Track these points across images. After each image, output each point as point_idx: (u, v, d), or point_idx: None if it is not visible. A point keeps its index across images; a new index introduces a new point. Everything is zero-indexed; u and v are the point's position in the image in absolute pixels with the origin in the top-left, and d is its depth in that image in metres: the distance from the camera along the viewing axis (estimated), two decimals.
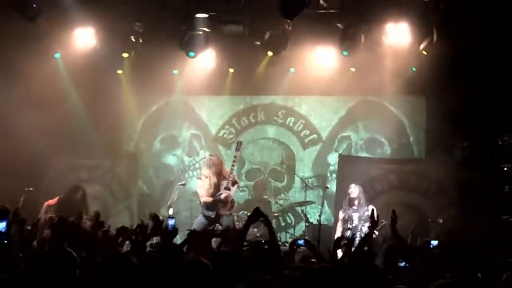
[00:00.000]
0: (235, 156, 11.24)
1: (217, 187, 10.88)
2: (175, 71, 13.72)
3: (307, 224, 12.91)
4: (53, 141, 12.45)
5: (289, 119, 14.30)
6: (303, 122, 14.26)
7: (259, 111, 14.43)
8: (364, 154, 13.84)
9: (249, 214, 6.66)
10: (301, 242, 7.00)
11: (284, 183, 14.20)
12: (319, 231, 11.43)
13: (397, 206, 11.70)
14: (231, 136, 14.34)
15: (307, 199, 13.05)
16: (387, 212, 7.03)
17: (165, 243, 6.52)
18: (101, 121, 13.44)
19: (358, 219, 10.74)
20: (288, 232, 13.57)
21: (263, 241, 6.65)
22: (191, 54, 12.14)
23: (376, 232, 9.61)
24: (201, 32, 11.88)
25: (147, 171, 14.41)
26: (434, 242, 7.63)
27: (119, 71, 13.46)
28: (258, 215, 6.44)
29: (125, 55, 12.52)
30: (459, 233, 11.23)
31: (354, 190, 10.92)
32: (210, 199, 10.81)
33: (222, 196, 10.77)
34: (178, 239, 7.10)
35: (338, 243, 6.99)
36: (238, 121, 14.44)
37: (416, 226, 11.15)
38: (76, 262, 5.23)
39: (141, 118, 14.56)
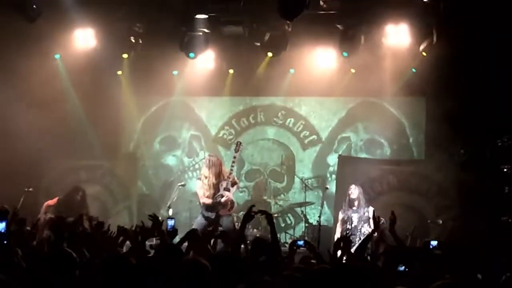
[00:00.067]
0: (234, 157, 11.23)
1: (216, 188, 10.87)
2: (175, 72, 13.73)
3: (306, 225, 12.91)
4: (53, 141, 12.47)
5: (289, 120, 14.31)
6: (303, 123, 14.27)
7: (259, 112, 14.44)
8: (363, 155, 13.85)
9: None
10: (301, 243, 7.00)
11: (284, 184, 14.20)
12: (319, 232, 11.43)
13: (396, 207, 11.83)
14: (231, 137, 14.35)
15: (307, 200, 13.06)
16: (386, 213, 7.05)
17: (165, 243, 6.52)
18: (100, 121, 13.44)
19: (358, 220, 10.73)
20: (287, 233, 13.57)
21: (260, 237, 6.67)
22: (191, 55, 12.13)
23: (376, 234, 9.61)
24: (201, 33, 11.87)
25: (146, 172, 14.41)
26: (434, 243, 7.64)
27: (119, 72, 13.46)
28: (254, 213, 6.46)
29: (125, 56, 12.52)
30: (459, 234, 11.25)
31: (354, 191, 10.92)
32: (210, 200, 10.80)
33: (222, 199, 10.76)
34: (177, 240, 7.10)
35: (338, 244, 6.99)
36: (238, 122, 14.45)
37: (416, 227, 11.17)
38: (76, 263, 5.22)
39: (140, 118, 14.56)
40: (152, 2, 11.64)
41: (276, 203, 13.63)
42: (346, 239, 7.17)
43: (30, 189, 11.65)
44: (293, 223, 13.89)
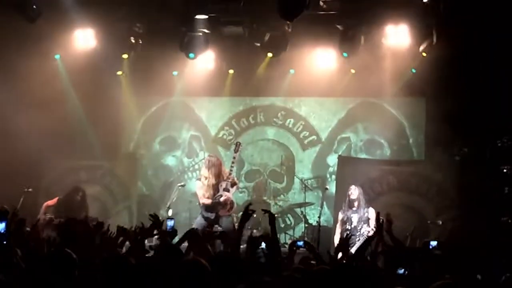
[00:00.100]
0: (233, 157, 11.22)
1: (216, 188, 10.86)
2: (174, 72, 13.73)
3: (306, 225, 12.91)
4: (52, 141, 12.46)
5: (288, 120, 14.31)
6: (303, 123, 14.27)
7: (259, 113, 14.44)
8: (363, 156, 13.85)
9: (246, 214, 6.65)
10: (300, 243, 6.99)
11: (284, 184, 14.20)
12: (319, 233, 11.43)
13: (396, 207, 11.91)
14: (231, 137, 14.35)
15: (307, 201, 13.05)
16: (387, 214, 7.03)
17: (165, 244, 6.52)
18: (100, 122, 13.44)
19: (358, 220, 10.72)
20: (287, 234, 13.57)
21: (258, 236, 6.66)
22: (191, 55, 12.13)
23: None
24: (201, 34, 11.87)
25: (146, 172, 14.41)
26: (433, 243, 7.65)
27: (119, 72, 13.46)
28: (252, 212, 6.46)
29: (125, 56, 12.52)
30: (459, 234, 11.25)
31: (354, 192, 10.90)
32: (210, 201, 10.79)
33: (222, 199, 10.76)
34: (177, 240, 7.10)
35: (340, 247, 6.99)
36: (237, 122, 14.45)
37: (416, 227, 11.17)
38: (76, 263, 5.22)
39: (140, 119, 14.56)
40: (152, 2, 11.64)
41: (275, 203, 13.63)
42: (346, 242, 7.17)
43: (30, 190, 11.64)
44: (292, 223, 13.89)
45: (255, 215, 11.95)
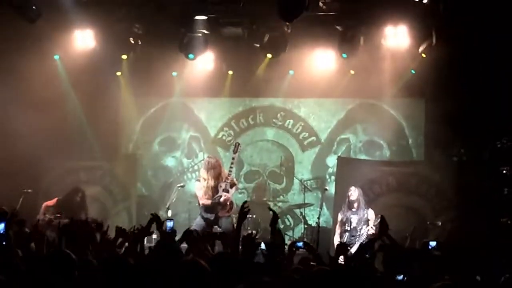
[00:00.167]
0: (233, 158, 11.23)
1: (215, 189, 10.87)
2: (174, 73, 13.73)
3: (305, 226, 12.91)
4: (52, 142, 12.47)
5: (288, 121, 14.31)
6: (302, 124, 14.27)
7: (258, 113, 14.44)
8: (363, 157, 13.84)
9: (250, 217, 6.67)
10: (300, 244, 6.99)
11: (283, 185, 14.20)
12: (318, 233, 11.43)
13: (396, 208, 11.92)
14: (230, 138, 14.34)
15: (306, 201, 13.05)
16: (386, 214, 7.03)
17: (164, 244, 6.52)
18: (100, 122, 13.45)
19: (357, 221, 10.73)
20: (286, 234, 13.55)
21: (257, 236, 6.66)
22: (190, 56, 12.13)
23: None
24: (200, 34, 11.87)
25: (146, 173, 14.41)
26: (433, 243, 7.66)
27: (118, 73, 13.45)
28: (247, 209, 6.46)
29: (124, 57, 12.50)
30: (458, 235, 11.26)
31: (354, 193, 10.91)
32: (209, 201, 10.81)
33: (221, 199, 10.77)
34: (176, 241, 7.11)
35: (340, 249, 6.99)
36: (237, 123, 14.45)
37: (415, 228, 11.18)
38: (75, 264, 5.23)
39: (140, 119, 14.56)
40: (152, 3, 11.64)
41: (275, 204, 13.63)
42: (346, 244, 7.19)
43: (29, 191, 11.62)
44: (292, 224, 13.88)
45: (254, 216, 12.11)
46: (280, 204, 13.74)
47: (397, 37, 11.67)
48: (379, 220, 7.11)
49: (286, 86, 13.71)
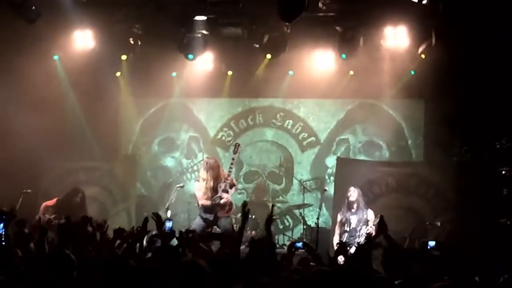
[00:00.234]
0: (232, 159, 11.25)
1: (214, 190, 10.88)
2: (173, 74, 13.74)
3: (305, 226, 12.91)
4: (51, 143, 12.47)
5: (287, 121, 14.31)
6: (302, 124, 14.27)
7: (258, 114, 14.44)
8: (362, 157, 13.84)
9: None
10: (299, 245, 6.99)
11: (282, 185, 14.20)
12: (317, 234, 11.42)
13: (395, 209, 11.92)
14: (230, 138, 14.35)
15: (305, 202, 13.05)
16: (386, 215, 7.03)
17: (163, 245, 6.53)
18: (99, 123, 13.45)
19: (357, 222, 10.73)
20: (286, 235, 13.57)
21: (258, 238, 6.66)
22: (190, 56, 12.13)
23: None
24: (199, 35, 11.87)
25: (145, 173, 14.41)
26: (432, 243, 7.65)
27: (118, 73, 13.46)
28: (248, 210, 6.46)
29: (124, 57, 12.49)
30: (457, 236, 11.25)
31: (353, 194, 10.91)
32: (209, 202, 10.81)
33: (221, 200, 10.78)
34: (175, 242, 7.11)
35: (339, 249, 6.99)
36: (236, 123, 14.45)
37: (414, 228, 11.19)
38: (74, 264, 5.23)
39: (139, 120, 14.56)
40: (151, 3, 11.64)
41: (274, 205, 13.61)
42: (345, 244, 7.19)
43: (29, 191, 11.63)
44: (291, 225, 13.88)
45: (253, 216, 12.12)
46: (279, 204, 13.73)
47: (396, 38, 11.66)
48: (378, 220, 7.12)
49: (286, 86, 13.71)
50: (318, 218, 11.72)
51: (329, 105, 14.21)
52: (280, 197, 14.06)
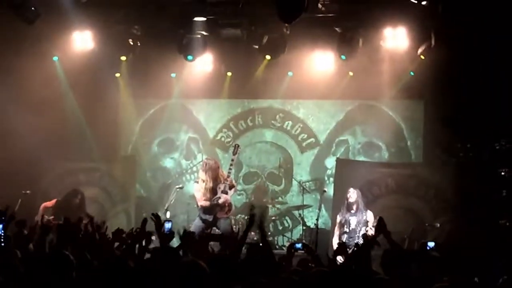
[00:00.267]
0: (232, 160, 11.24)
1: (214, 191, 10.87)
2: (173, 74, 13.73)
3: (304, 228, 12.91)
4: (51, 143, 12.46)
5: (286, 122, 14.31)
6: (301, 125, 14.27)
7: (257, 115, 14.44)
8: (361, 158, 13.84)
9: (247, 217, 6.68)
10: (299, 246, 6.99)
11: (282, 186, 14.20)
12: (317, 235, 11.41)
13: (394, 210, 11.92)
14: (229, 139, 14.35)
15: (305, 203, 13.05)
16: (385, 216, 7.03)
17: (162, 246, 6.52)
18: (98, 124, 13.45)
19: (356, 223, 10.72)
20: (285, 236, 13.56)
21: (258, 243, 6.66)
22: (189, 57, 12.12)
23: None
24: (199, 36, 11.87)
25: (144, 174, 14.40)
26: (431, 244, 7.65)
27: (117, 74, 13.47)
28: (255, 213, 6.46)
29: (123, 58, 12.49)
30: (456, 237, 11.25)
31: (353, 195, 10.91)
32: (208, 203, 10.80)
33: (220, 201, 10.77)
34: (174, 242, 7.11)
35: (339, 250, 6.98)
36: (235, 124, 14.44)
37: (414, 230, 11.19)
38: (73, 265, 5.22)
39: (139, 121, 14.56)
40: (150, 4, 11.64)
41: (273, 206, 13.62)
42: (345, 245, 7.19)
43: (28, 192, 11.63)
44: (290, 226, 13.87)
45: None
46: (278, 205, 13.73)
47: (396, 39, 11.66)
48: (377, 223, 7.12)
49: (285, 87, 13.71)
50: (317, 219, 11.71)
51: (328, 106, 14.21)
52: (280, 198, 14.05)
